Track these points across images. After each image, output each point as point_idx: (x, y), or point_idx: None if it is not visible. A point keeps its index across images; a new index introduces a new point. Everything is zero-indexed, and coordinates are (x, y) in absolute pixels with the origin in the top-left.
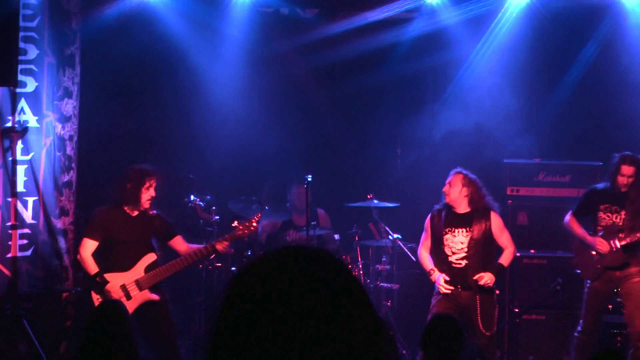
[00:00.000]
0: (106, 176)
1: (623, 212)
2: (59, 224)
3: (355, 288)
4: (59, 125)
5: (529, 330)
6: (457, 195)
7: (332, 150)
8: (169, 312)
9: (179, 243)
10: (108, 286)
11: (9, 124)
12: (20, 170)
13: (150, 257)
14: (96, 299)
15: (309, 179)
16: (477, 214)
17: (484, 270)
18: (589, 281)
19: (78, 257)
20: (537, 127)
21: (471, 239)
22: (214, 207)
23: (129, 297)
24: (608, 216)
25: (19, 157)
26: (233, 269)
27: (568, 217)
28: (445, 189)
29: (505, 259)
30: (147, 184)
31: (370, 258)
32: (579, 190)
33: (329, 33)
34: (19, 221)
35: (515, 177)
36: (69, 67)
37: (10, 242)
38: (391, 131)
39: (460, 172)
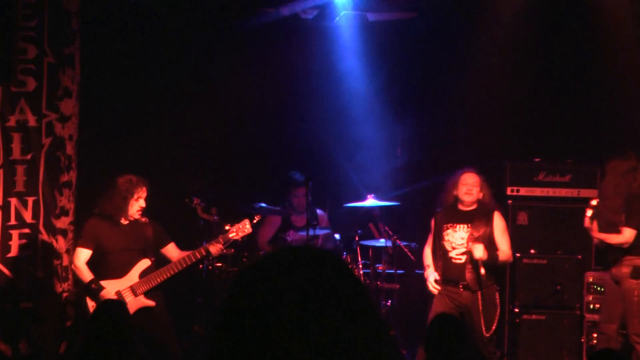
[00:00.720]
0: (106, 176)
1: None
2: (58, 223)
3: (357, 288)
4: (59, 125)
5: (529, 330)
6: (476, 196)
7: (332, 150)
8: (167, 318)
9: (171, 251)
10: (103, 292)
11: (9, 124)
12: (20, 170)
13: (144, 263)
14: (91, 305)
15: (309, 180)
16: (481, 212)
17: (483, 267)
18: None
19: (72, 266)
20: (537, 127)
21: (471, 234)
22: (214, 208)
23: None
24: None
25: (18, 157)
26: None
27: None
28: (468, 191)
29: (501, 254)
30: (136, 196)
31: (370, 258)
32: (579, 191)
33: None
34: (19, 221)
35: (515, 177)
36: (68, 67)
37: (10, 242)
38: (391, 131)
39: (476, 174)
